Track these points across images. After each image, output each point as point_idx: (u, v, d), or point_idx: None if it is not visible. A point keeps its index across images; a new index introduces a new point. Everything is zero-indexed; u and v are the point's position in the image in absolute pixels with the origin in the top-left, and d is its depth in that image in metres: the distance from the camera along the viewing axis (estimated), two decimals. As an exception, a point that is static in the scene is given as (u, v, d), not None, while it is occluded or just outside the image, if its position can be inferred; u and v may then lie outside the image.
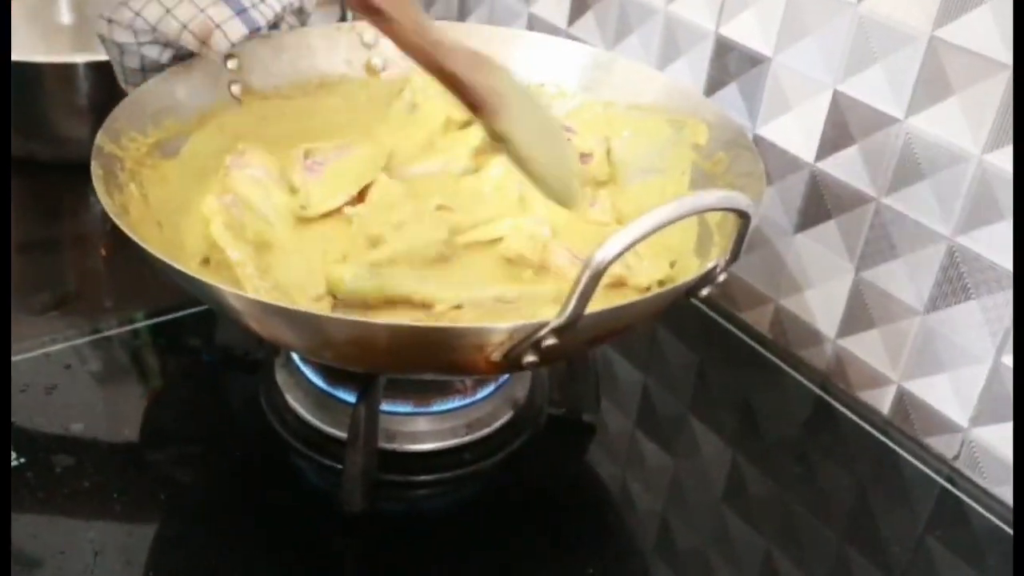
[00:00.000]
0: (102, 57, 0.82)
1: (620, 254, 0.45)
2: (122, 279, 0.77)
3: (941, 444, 0.70)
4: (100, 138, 0.61)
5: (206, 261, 0.63)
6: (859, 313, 0.73)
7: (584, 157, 0.70)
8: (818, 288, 0.76)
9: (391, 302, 0.60)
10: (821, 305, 0.76)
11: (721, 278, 0.53)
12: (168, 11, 0.68)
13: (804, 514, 0.64)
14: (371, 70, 0.78)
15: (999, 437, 0.66)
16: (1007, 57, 0.60)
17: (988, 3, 0.60)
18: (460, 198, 0.68)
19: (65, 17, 1.02)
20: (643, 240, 0.46)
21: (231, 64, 0.72)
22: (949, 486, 0.67)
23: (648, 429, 0.70)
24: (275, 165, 0.69)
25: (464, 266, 0.64)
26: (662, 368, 0.76)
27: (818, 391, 0.74)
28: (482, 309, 0.58)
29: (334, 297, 0.60)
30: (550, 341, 0.48)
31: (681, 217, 0.47)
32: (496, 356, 0.49)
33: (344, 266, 0.61)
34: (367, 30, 0.77)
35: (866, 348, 0.73)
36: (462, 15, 1.08)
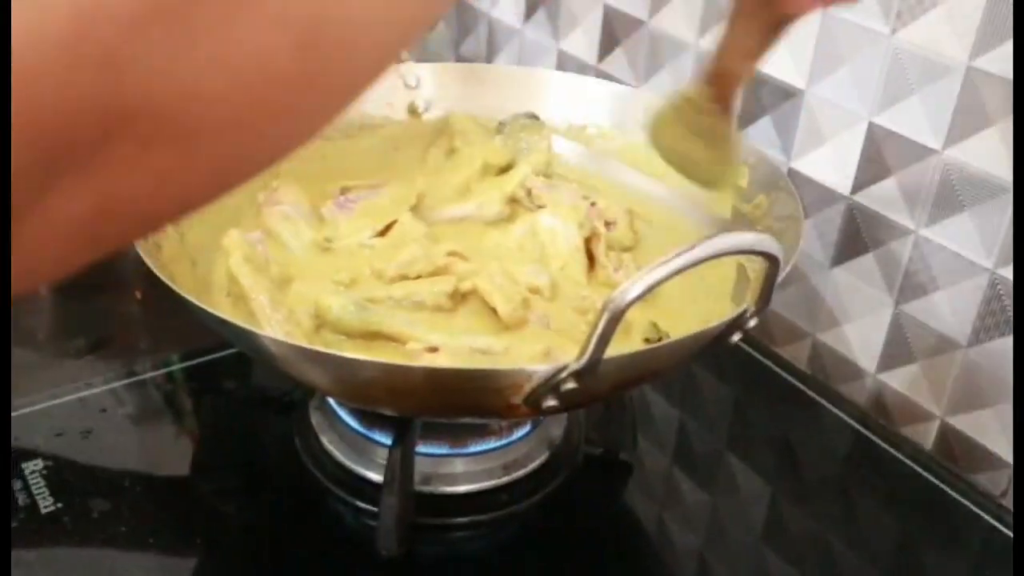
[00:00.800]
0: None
1: (640, 297, 0.45)
2: (157, 321, 0.77)
3: (988, 481, 0.68)
4: None
5: (229, 294, 0.63)
6: (899, 347, 0.72)
7: (608, 225, 0.69)
8: (856, 322, 0.75)
9: (373, 335, 0.59)
10: (860, 339, 0.75)
11: (751, 323, 0.52)
12: None
13: (846, 553, 0.62)
14: (413, 112, 0.79)
15: (1048, 473, 0.65)
16: (1047, 87, 0.59)
17: (1026, 33, 0.60)
18: (479, 248, 0.68)
19: None
20: (664, 282, 0.45)
21: None
22: (997, 524, 0.65)
23: (685, 467, 0.69)
24: (306, 201, 0.70)
25: (457, 313, 0.62)
26: (698, 405, 0.75)
27: (858, 427, 0.73)
28: (459, 356, 0.57)
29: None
30: (570, 385, 0.47)
31: (703, 260, 0.46)
32: (517, 400, 0.49)
33: (334, 296, 0.60)
34: (410, 72, 0.78)
35: (907, 382, 0.72)
36: (491, 52, 1.08)
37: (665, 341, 0.59)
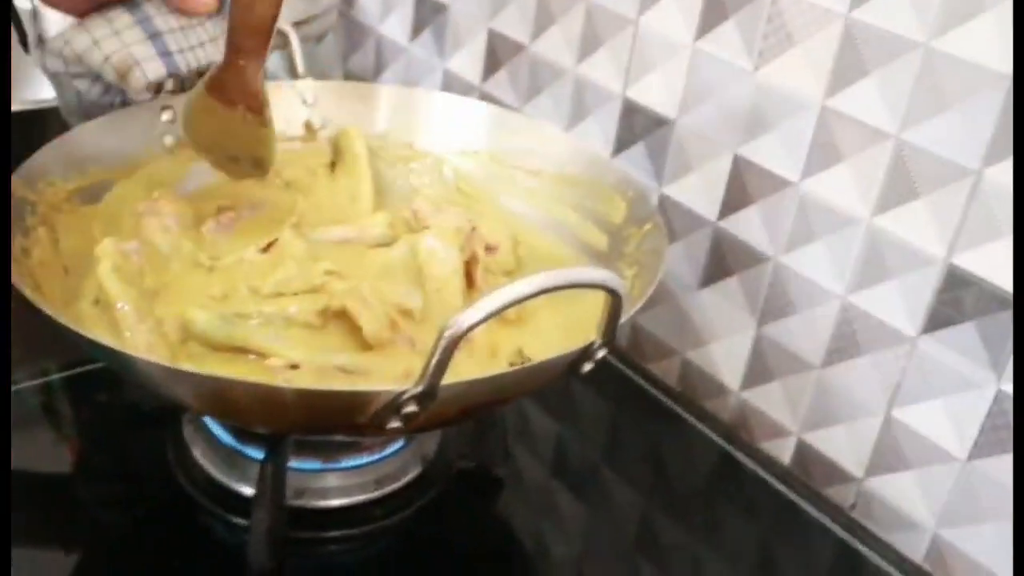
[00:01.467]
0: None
1: (477, 324, 0.45)
2: (35, 329, 0.75)
3: (839, 494, 0.72)
4: (12, 182, 0.61)
5: (97, 302, 0.62)
6: (761, 366, 0.76)
7: (490, 249, 0.70)
8: (722, 342, 0.78)
9: (238, 350, 0.60)
10: (725, 358, 0.79)
11: (599, 355, 0.53)
12: (95, 42, 0.68)
13: (712, 562, 0.65)
14: (309, 128, 0.79)
15: (892, 487, 0.69)
16: (892, 127, 0.63)
17: (873, 75, 0.64)
18: (359, 267, 0.68)
19: None
20: (502, 311, 0.46)
21: (165, 116, 0.72)
22: (847, 535, 0.69)
23: (561, 479, 0.71)
24: (188, 213, 0.69)
25: (327, 330, 0.63)
26: (574, 419, 0.77)
27: (722, 442, 0.76)
28: (320, 374, 0.57)
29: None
30: (410, 408, 0.48)
31: (545, 291, 0.47)
32: (362, 419, 0.50)
33: (199, 310, 0.60)
34: (308, 90, 0.79)
35: (768, 400, 0.76)
36: (378, 68, 1.10)
37: (509, 369, 0.60)
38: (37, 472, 0.64)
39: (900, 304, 0.65)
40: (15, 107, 0.85)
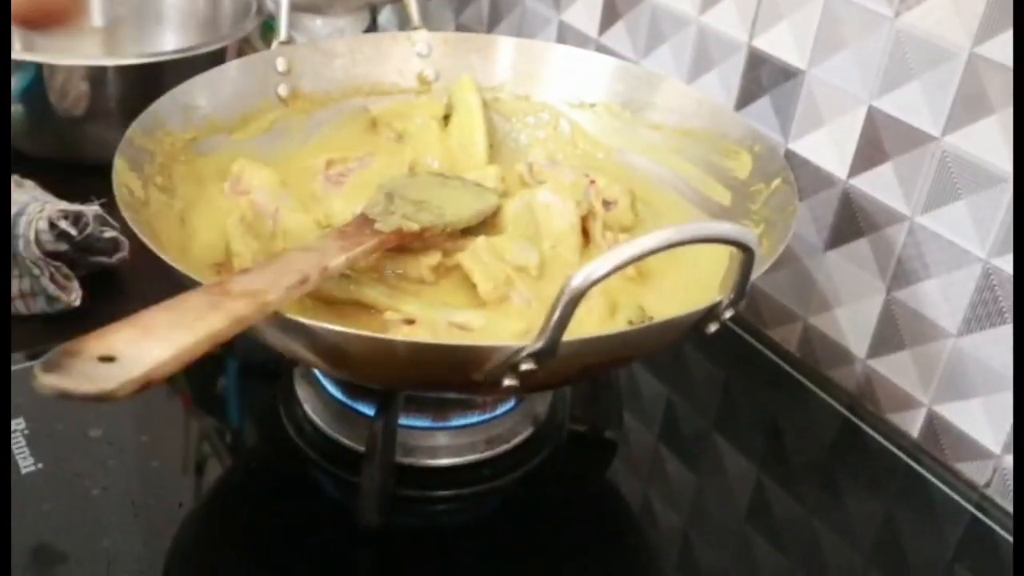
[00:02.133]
0: (132, 60, 0.81)
1: (602, 279, 0.43)
2: (144, 276, 0.76)
3: (972, 470, 0.68)
4: (132, 131, 0.61)
5: (221, 266, 0.62)
6: (890, 334, 0.72)
7: (608, 204, 0.68)
8: (848, 307, 0.75)
9: (354, 303, 0.59)
10: (851, 325, 0.75)
11: (727, 315, 0.51)
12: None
13: (829, 537, 0.62)
14: (423, 81, 0.78)
15: (1033, 465, 0.65)
16: (1049, 76, 0.59)
17: (1030, 20, 0.59)
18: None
19: (97, 20, 1.03)
20: (627, 266, 0.44)
21: (280, 65, 0.72)
22: (979, 514, 0.65)
23: (672, 446, 0.68)
24: (275, 180, 0.67)
25: (440, 286, 0.62)
26: (687, 384, 0.75)
27: (846, 412, 0.73)
28: (435, 329, 0.56)
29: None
30: (528, 366, 0.46)
31: (673, 246, 0.44)
32: (477, 376, 0.48)
33: None
34: (422, 41, 0.77)
35: (896, 370, 0.72)
36: (493, 21, 1.07)
37: (632, 327, 0.58)
38: (146, 423, 0.65)
39: (1050, 270, 0.61)
40: (135, 60, 0.85)
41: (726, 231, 0.47)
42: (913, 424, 0.72)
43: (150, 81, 0.81)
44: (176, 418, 0.66)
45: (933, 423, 0.70)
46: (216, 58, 0.87)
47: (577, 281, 0.43)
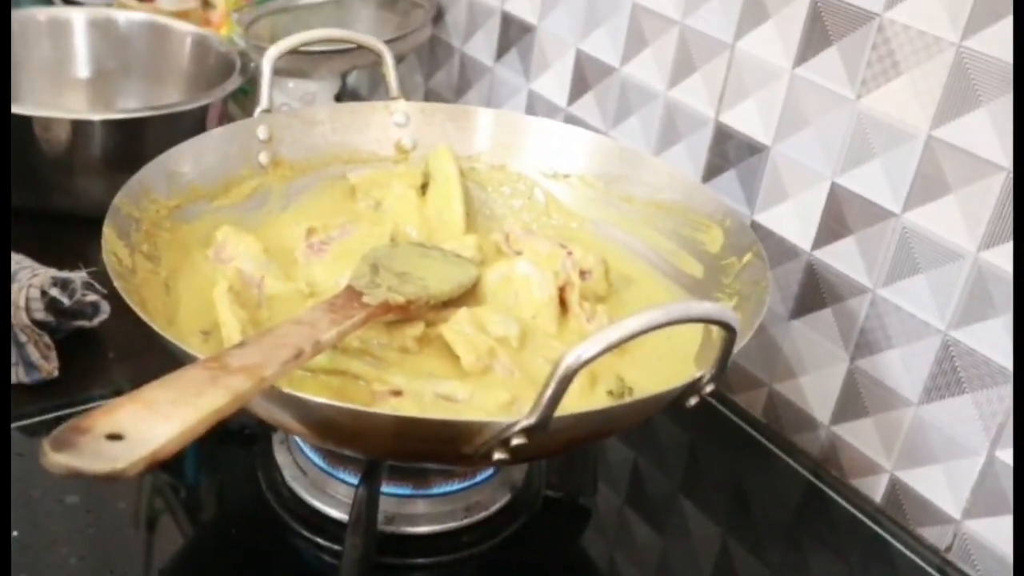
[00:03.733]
0: (118, 115, 0.81)
1: (593, 359, 0.45)
2: (126, 343, 0.76)
3: (934, 535, 0.70)
4: (119, 199, 0.62)
5: (208, 334, 0.63)
6: (853, 401, 0.74)
7: (583, 274, 0.70)
8: (812, 375, 0.77)
9: (340, 373, 0.59)
10: (815, 392, 0.77)
11: (708, 389, 0.53)
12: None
13: (796, 602, 0.64)
14: (401, 149, 0.79)
15: (993, 530, 0.67)
16: (1004, 159, 0.62)
17: (985, 107, 0.62)
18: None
19: (82, 72, 1.03)
20: (619, 346, 0.45)
21: (262, 133, 0.73)
22: (941, 578, 0.67)
23: (640, 511, 0.70)
24: (259, 248, 0.68)
25: (423, 355, 0.62)
26: (655, 449, 0.76)
27: (811, 477, 0.74)
28: (422, 401, 0.57)
29: None
30: (519, 441, 0.47)
31: (661, 325, 0.46)
32: (468, 450, 0.49)
33: None
34: (400, 110, 0.79)
35: (859, 436, 0.74)
36: (462, 88, 1.10)
37: (618, 403, 0.59)
38: (122, 490, 0.64)
39: (1006, 341, 0.63)
40: (119, 115, 0.85)
41: (710, 312, 0.49)
42: (876, 489, 0.74)
43: (134, 135, 0.83)
44: (154, 485, 0.66)
45: (895, 489, 0.72)
46: (199, 115, 0.88)
47: (570, 360, 0.44)
